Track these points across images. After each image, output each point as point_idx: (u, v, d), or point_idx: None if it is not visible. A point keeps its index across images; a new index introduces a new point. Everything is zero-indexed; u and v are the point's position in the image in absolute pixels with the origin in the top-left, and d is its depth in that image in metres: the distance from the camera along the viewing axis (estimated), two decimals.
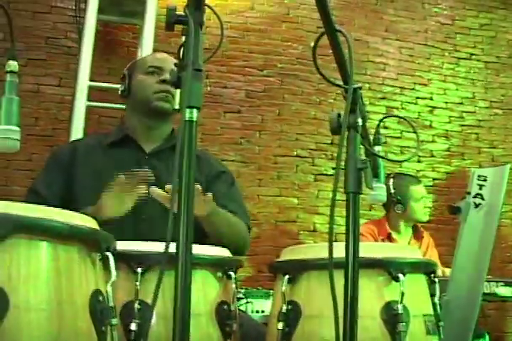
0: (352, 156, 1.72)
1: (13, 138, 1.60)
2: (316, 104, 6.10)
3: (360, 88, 1.75)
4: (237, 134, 5.77)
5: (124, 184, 2.45)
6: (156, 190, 2.40)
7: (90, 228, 1.56)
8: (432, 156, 6.45)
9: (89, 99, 4.81)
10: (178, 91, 1.60)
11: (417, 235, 5.00)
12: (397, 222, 4.92)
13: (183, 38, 1.63)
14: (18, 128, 1.63)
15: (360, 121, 1.75)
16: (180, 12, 1.52)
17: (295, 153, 5.95)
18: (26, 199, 2.79)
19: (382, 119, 2.23)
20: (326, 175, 6.00)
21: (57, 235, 1.46)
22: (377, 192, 2.00)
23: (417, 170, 6.31)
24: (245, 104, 5.87)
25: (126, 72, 3.01)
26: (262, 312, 4.55)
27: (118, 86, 4.68)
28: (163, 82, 2.87)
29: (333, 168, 6.03)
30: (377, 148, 2.07)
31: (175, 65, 1.59)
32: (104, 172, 2.76)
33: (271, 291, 4.80)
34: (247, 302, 4.57)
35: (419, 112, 6.50)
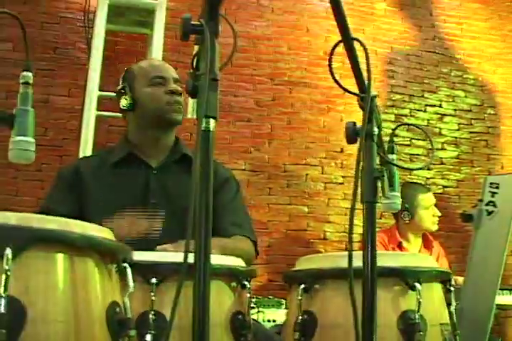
0: (368, 165, 1.71)
1: (28, 149, 1.60)
2: (325, 112, 6.10)
3: (375, 96, 1.74)
4: (246, 143, 5.77)
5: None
6: (164, 248, 2.39)
7: (107, 239, 1.55)
8: (442, 164, 6.44)
9: (98, 109, 4.81)
10: (190, 100, 1.60)
11: (427, 244, 4.97)
12: (407, 231, 4.90)
13: (196, 48, 1.63)
14: (32, 140, 1.63)
15: (376, 130, 1.74)
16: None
17: (305, 161, 5.94)
18: None
19: (396, 128, 2.22)
20: (336, 183, 6.00)
21: (74, 246, 1.44)
22: (392, 200, 1.99)
23: (427, 178, 6.29)
24: (255, 113, 5.88)
25: (126, 85, 2.91)
26: (274, 321, 4.54)
27: None
28: (173, 92, 2.83)
29: (343, 177, 6.03)
30: (391, 157, 2.06)
31: (188, 74, 1.59)
32: (114, 193, 2.77)
33: (282, 300, 4.79)
34: (258, 312, 4.55)
35: (428, 120, 6.49)
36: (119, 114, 5.06)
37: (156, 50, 4.93)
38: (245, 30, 5.98)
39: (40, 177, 5.13)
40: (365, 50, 1.59)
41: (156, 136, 2.91)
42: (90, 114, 4.71)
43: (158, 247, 2.39)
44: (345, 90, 1.69)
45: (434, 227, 4.95)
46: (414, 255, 2.68)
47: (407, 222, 4.82)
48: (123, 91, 2.90)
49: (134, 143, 2.93)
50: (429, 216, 4.90)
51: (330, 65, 1.66)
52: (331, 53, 1.66)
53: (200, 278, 1.37)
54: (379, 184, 1.77)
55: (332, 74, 1.66)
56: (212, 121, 1.44)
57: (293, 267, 2.32)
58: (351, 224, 1.57)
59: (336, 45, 1.63)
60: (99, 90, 4.82)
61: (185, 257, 1.35)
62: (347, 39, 1.53)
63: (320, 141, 6.03)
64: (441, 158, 6.44)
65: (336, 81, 1.65)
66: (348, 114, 6.11)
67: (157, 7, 4.94)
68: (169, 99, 2.82)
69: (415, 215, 4.84)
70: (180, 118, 2.85)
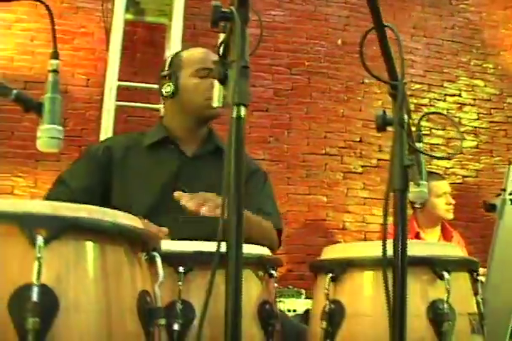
0: (398, 153, 1.69)
1: (57, 137, 1.59)
2: (344, 102, 6.09)
3: (405, 84, 1.72)
4: (265, 133, 5.76)
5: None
6: (181, 195, 2.35)
7: (137, 227, 1.55)
8: (461, 153, 6.40)
9: (117, 99, 4.81)
10: (216, 88, 1.59)
11: (446, 234, 4.90)
12: (423, 221, 4.83)
13: (221, 36, 1.62)
14: (61, 128, 1.62)
15: (406, 117, 1.73)
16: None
17: (324, 151, 5.93)
18: (53, 188, 2.77)
19: (422, 116, 2.20)
20: (355, 172, 5.99)
21: (105, 235, 1.44)
22: (420, 189, 1.97)
23: (446, 168, 6.27)
24: (273, 103, 5.87)
25: (171, 71, 2.87)
26: (294, 311, 4.54)
27: (146, 85, 4.66)
28: None
29: (362, 166, 6.01)
30: (418, 145, 2.04)
31: (215, 62, 1.58)
32: (147, 174, 2.75)
33: (302, 290, 4.79)
34: (279, 301, 4.54)
35: (447, 109, 6.46)
36: (139, 104, 5.13)
37: (175, 39, 4.92)
38: (263, 19, 5.94)
39: (59, 167, 5.13)
40: (398, 37, 1.57)
41: (192, 126, 2.89)
42: (110, 104, 4.71)
43: (176, 193, 2.36)
44: (377, 78, 1.67)
45: (449, 215, 4.87)
46: (442, 244, 2.66)
47: (421, 210, 4.77)
48: (167, 77, 2.87)
49: (169, 129, 2.91)
50: (441, 203, 4.82)
51: (361, 53, 1.64)
52: (362, 41, 1.64)
53: (233, 268, 1.35)
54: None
55: (363, 61, 1.64)
56: (243, 109, 1.43)
57: (312, 257, 2.31)
58: (385, 214, 1.54)
59: (367, 32, 1.62)
60: (118, 80, 4.81)
61: (218, 246, 1.34)
62: (379, 26, 1.51)
63: (339, 130, 6.02)
64: (461, 147, 6.41)
65: (367, 69, 1.63)
66: (367, 103, 6.09)
67: None
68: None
69: (427, 203, 4.72)
70: (219, 113, 2.81)
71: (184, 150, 2.88)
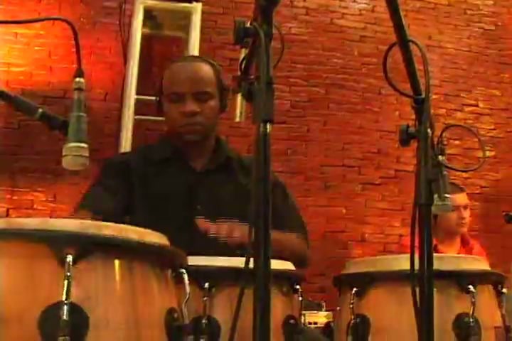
0: (424, 167, 1.69)
1: (83, 155, 1.60)
2: (361, 113, 6.08)
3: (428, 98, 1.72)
4: (283, 145, 5.75)
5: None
6: (203, 222, 2.36)
7: (163, 245, 1.55)
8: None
9: (135, 113, 4.82)
10: (238, 104, 1.60)
11: (466, 246, 4.79)
12: (439, 233, 4.63)
13: (242, 51, 1.63)
14: (86, 145, 1.63)
15: (429, 131, 1.73)
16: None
17: (341, 162, 5.92)
18: (79, 209, 2.64)
19: (444, 130, 2.19)
20: (373, 184, 5.97)
21: (132, 253, 1.45)
22: (444, 202, 1.96)
23: (465, 178, 6.23)
24: (291, 115, 5.86)
25: (158, 87, 2.80)
26: (315, 323, 4.51)
27: None
28: (186, 114, 2.68)
29: (381, 177, 6.00)
30: (441, 158, 2.04)
31: (235, 77, 1.59)
32: (161, 190, 2.71)
33: (323, 303, 4.77)
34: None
35: (464, 119, 6.44)
36: (157, 118, 5.14)
37: (192, 53, 4.93)
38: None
39: (77, 181, 5.15)
40: (423, 52, 1.57)
41: (190, 143, 2.80)
42: (129, 118, 4.73)
43: (199, 221, 2.37)
44: (400, 92, 1.67)
45: (461, 230, 4.76)
46: (467, 257, 2.64)
47: (435, 223, 4.60)
48: (157, 93, 2.82)
49: (173, 143, 2.84)
50: (453, 217, 4.68)
51: (384, 67, 1.64)
52: (385, 55, 1.64)
53: (261, 281, 1.34)
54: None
55: (386, 75, 1.64)
56: (268, 126, 1.44)
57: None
58: (413, 230, 1.54)
59: (391, 47, 1.62)
60: (136, 94, 4.83)
61: (247, 262, 1.34)
62: (403, 40, 1.51)
63: (356, 142, 6.00)
64: (478, 157, 6.36)
65: (390, 83, 1.63)
66: (384, 114, 6.08)
67: (192, 10, 4.95)
68: (185, 121, 2.70)
69: (438, 216, 4.52)
70: (197, 138, 2.74)
71: (193, 165, 2.81)
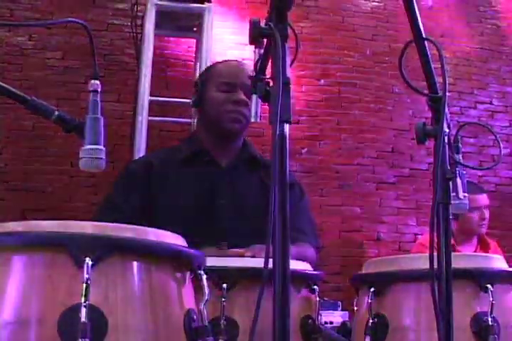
0: (442, 166, 1.68)
1: (99, 157, 1.60)
2: (374, 112, 6.07)
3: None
4: (297, 144, 5.75)
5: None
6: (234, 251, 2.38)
7: (182, 246, 1.55)
8: (494, 161, 6.34)
9: (149, 114, 4.83)
10: (252, 104, 1.60)
11: (484, 245, 4.75)
12: (457, 233, 4.63)
13: (256, 51, 1.63)
14: (103, 148, 1.63)
15: (447, 130, 1.72)
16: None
17: (356, 161, 5.91)
18: (104, 212, 2.74)
19: (460, 128, 2.18)
20: (388, 183, 5.96)
21: (150, 255, 1.45)
22: (461, 201, 1.95)
23: (479, 176, 6.21)
24: (304, 114, 5.86)
25: (199, 81, 2.88)
26: (331, 323, 4.50)
27: (177, 100, 4.70)
28: (237, 102, 2.75)
29: (395, 176, 5.99)
30: (457, 157, 2.03)
31: (250, 77, 1.59)
32: (184, 187, 2.74)
33: (338, 302, 4.76)
34: None
35: (478, 117, 6.42)
36: (171, 119, 5.16)
37: (205, 53, 4.93)
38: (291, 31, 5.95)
39: (92, 182, 5.18)
40: (439, 49, 1.56)
41: (221, 138, 2.86)
42: (143, 119, 4.73)
43: (231, 251, 2.38)
44: (416, 90, 1.66)
45: (481, 231, 4.73)
46: (485, 256, 2.62)
47: (454, 222, 4.57)
48: (196, 87, 2.88)
49: (202, 141, 2.89)
50: (474, 218, 4.65)
51: (400, 65, 1.63)
52: (402, 54, 1.63)
53: (280, 285, 1.35)
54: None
55: (402, 74, 1.63)
56: (286, 126, 1.43)
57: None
58: (432, 228, 1.53)
59: (406, 46, 1.61)
60: (150, 95, 4.83)
61: (266, 263, 1.34)
62: (419, 38, 1.51)
63: (370, 141, 6.00)
64: (493, 155, 6.34)
65: (406, 82, 1.62)
66: (398, 112, 6.07)
67: (205, 11, 4.94)
68: (231, 108, 2.75)
69: (461, 215, 4.47)
70: (238, 128, 2.80)
71: (219, 161, 2.85)
